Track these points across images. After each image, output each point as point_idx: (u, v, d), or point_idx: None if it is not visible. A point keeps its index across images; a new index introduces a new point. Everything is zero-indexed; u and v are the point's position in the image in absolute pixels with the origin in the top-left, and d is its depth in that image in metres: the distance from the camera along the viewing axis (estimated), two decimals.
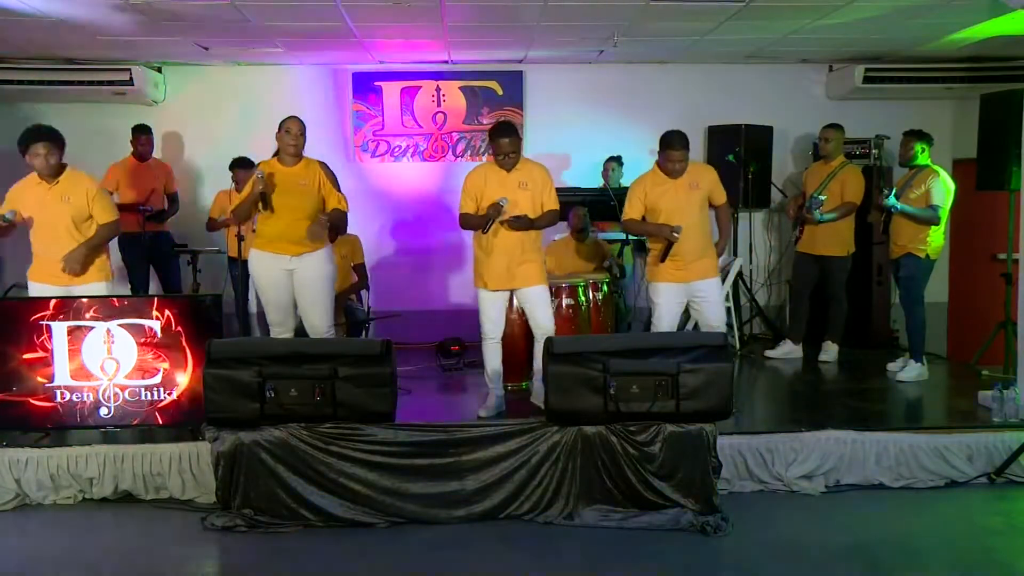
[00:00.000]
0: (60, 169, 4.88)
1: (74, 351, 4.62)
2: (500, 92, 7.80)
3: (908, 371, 5.94)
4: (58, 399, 4.64)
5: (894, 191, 5.90)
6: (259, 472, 4.11)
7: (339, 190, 5.22)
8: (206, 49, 6.89)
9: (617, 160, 7.39)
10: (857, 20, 5.95)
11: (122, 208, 5.84)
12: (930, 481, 4.54)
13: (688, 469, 4.08)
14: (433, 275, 7.87)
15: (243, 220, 5.18)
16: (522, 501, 4.16)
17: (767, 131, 7.58)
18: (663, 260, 5.08)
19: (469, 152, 7.85)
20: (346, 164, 7.56)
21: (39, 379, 4.62)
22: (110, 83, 7.11)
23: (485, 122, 7.71)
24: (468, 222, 5.05)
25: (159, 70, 7.57)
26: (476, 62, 7.64)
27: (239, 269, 6.32)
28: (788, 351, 6.80)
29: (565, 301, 5.70)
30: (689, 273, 5.09)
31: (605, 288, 5.97)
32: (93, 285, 4.93)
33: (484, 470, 4.18)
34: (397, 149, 7.85)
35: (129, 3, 5.32)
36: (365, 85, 7.75)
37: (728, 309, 6.65)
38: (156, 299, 4.77)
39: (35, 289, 4.93)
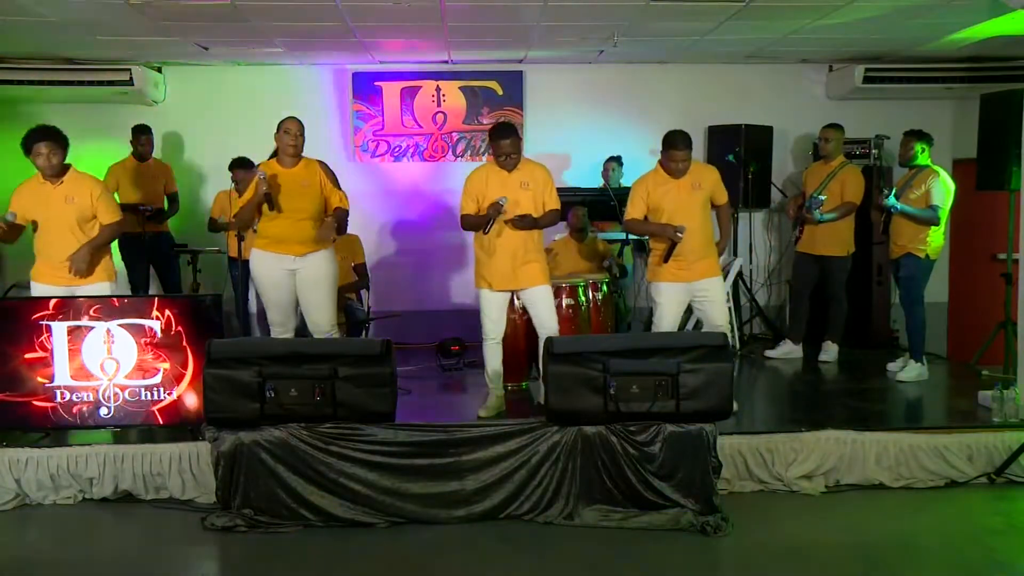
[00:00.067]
0: (64, 169, 4.88)
1: (74, 351, 4.62)
2: (500, 92, 7.79)
3: (908, 371, 5.94)
4: (58, 399, 4.63)
5: (894, 191, 5.90)
6: (259, 472, 4.11)
7: (339, 188, 5.22)
8: (206, 49, 6.89)
9: (617, 160, 7.38)
10: (857, 20, 5.95)
11: (122, 208, 5.82)
12: (930, 481, 4.53)
13: (688, 469, 4.08)
14: (433, 275, 7.87)
15: (246, 224, 5.18)
16: (522, 501, 4.16)
17: (767, 131, 7.58)
18: (666, 260, 5.07)
19: (469, 152, 7.85)
20: (346, 164, 7.55)
21: (39, 379, 4.62)
22: (110, 83, 7.10)
23: (485, 122, 7.71)
24: (469, 223, 5.05)
25: (159, 70, 7.57)
26: (476, 62, 7.64)
27: (239, 269, 6.32)
28: (788, 351, 6.80)
29: (565, 301, 5.70)
30: (691, 273, 5.09)
31: (605, 288, 5.97)
32: (98, 285, 4.93)
33: (484, 470, 4.17)
34: (397, 149, 7.85)
35: (129, 3, 5.32)
36: (365, 85, 7.75)
37: (728, 309, 6.64)
38: (156, 299, 4.77)
39: (38, 290, 4.92)
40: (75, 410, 4.65)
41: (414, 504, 4.14)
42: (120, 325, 4.62)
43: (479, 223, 4.97)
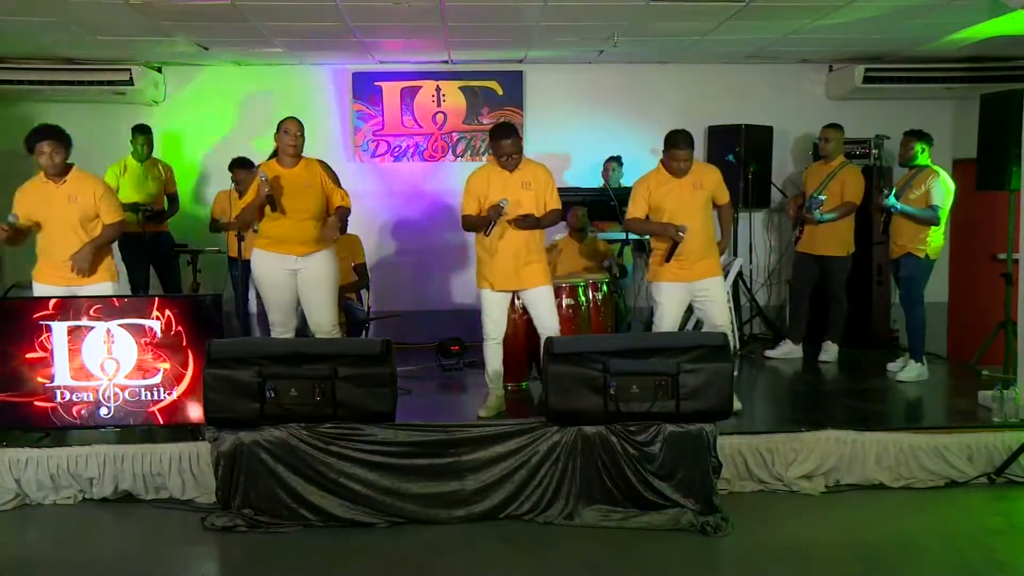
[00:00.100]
0: (66, 169, 4.89)
1: (74, 351, 4.62)
2: (500, 92, 7.80)
3: (908, 371, 5.94)
4: (58, 399, 4.63)
5: (894, 191, 5.90)
6: (259, 472, 4.11)
7: (340, 187, 5.23)
8: (206, 49, 6.89)
9: (617, 160, 7.38)
10: (857, 20, 5.95)
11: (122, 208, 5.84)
12: (930, 481, 4.53)
13: (688, 469, 4.08)
14: (433, 275, 7.87)
15: (248, 225, 5.18)
16: (522, 501, 4.16)
17: (767, 131, 7.58)
18: (668, 260, 5.07)
19: (469, 152, 7.85)
20: (346, 164, 7.55)
21: (39, 379, 4.62)
22: (110, 83, 7.10)
23: (485, 122, 7.71)
24: (470, 223, 5.05)
25: (159, 70, 7.57)
26: (476, 62, 7.64)
27: (239, 269, 6.32)
28: (788, 351, 6.80)
29: (565, 301, 5.70)
30: (692, 272, 5.08)
31: (605, 288, 5.97)
32: (100, 286, 4.93)
33: (484, 470, 4.17)
34: (397, 149, 7.85)
35: (129, 3, 5.32)
36: (365, 85, 7.75)
37: (728, 309, 6.64)
38: (156, 299, 4.77)
39: (40, 290, 4.91)
40: (75, 410, 4.65)
41: (414, 504, 4.14)
42: (120, 325, 4.62)
43: (480, 224, 4.97)
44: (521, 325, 5.50)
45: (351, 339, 5.81)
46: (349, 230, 6.35)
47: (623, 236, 6.79)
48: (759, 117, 7.57)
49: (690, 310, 5.52)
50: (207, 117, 7.65)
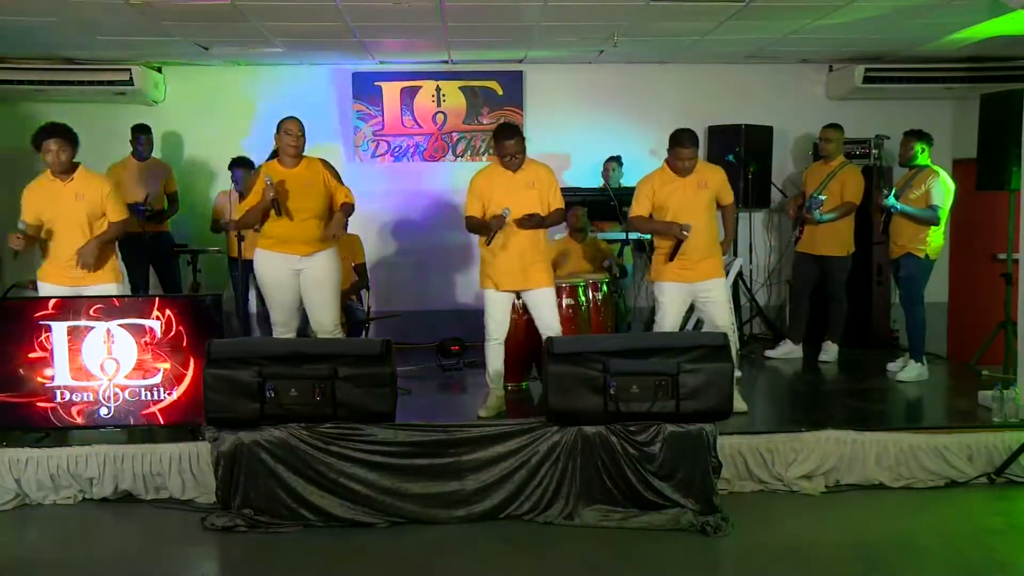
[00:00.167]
0: (73, 167, 4.90)
1: (74, 351, 4.62)
2: (500, 92, 7.79)
3: (908, 371, 5.94)
4: (58, 399, 4.64)
5: (894, 191, 5.90)
6: (259, 472, 4.11)
7: (342, 184, 5.22)
8: (206, 49, 6.89)
9: (617, 160, 7.38)
10: (857, 20, 5.95)
11: None
12: (930, 481, 4.53)
13: (688, 469, 4.08)
14: (433, 275, 7.87)
15: (249, 227, 5.18)
16: (522, 501, 4.16)
17: (767, 131, 7.58)
18: (672, 259, 5.07)
19: (469, 152, 7.85)
20: (346, 164, 7.55)
21: (39, 379, 4.62)
22: (110, 83, 7.10)
23: (485, 122, 7.71)
24: (473, 225, 5.05)
25: (159, 70, 7.57)
26: (476, 62, 7.64)
27: (239, 269, 6.32)
28: (788, 351, 6.80)
29: (565, 301, 5.69)
30: (695, 273, 5.08)
31: (605, 288, 5.97)
32: (106, 287, 4.93)
33: (484, 470, 4.17)
34: (397, 149, 7.84)
35: (129, 3, 5.32)
36: (365, 85, 7.75)
37: (730, 310, 6.64)
38: (156, 299, 4.77)
39: (46, 290, 4.91)
40: (75, 410, 4.65)
41: (414, 504, 4.14)
42: (120, 325, 4.62)
43: (482, 229, 4.97)
44: (521, 325, 5.50)
45: (351, 339, 5.81)
46: (349, 230, 6.35)
47: (623, 236, 6.78)
48: (759, 117, 7.57)
49: (691, 309, 5.52)
50: (207, 117, 7.64)
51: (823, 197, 6.34)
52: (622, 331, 6.47)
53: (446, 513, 4.13)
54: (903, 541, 3.95)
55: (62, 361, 4.62)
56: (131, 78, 7.09)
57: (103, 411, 4.66)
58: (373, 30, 6.34)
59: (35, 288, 5.02)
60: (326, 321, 5.09)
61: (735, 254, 7.37)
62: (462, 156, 7.84)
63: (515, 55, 7.44)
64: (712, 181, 5.12)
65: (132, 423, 4.68)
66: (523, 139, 5.01)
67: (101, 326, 4.62)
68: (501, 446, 4.19)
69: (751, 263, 7.74)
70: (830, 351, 6.64)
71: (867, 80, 7.36)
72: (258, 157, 6.27)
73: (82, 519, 4.33)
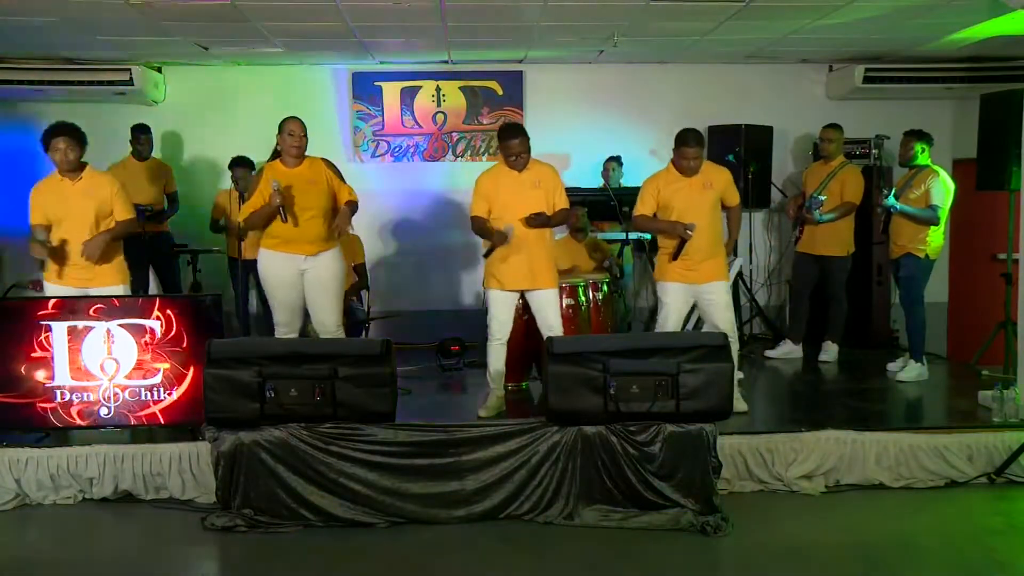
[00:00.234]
0: (81, 167, 4.90)
1: (74, 351, 4.62)
2: (500, 92, 7.79)
3: (908, 371, 5.94)
4: (58, 399, 4.64)
5: (893, 191, 5.90)
6: (259, 472, 4.11)
7: (345, 183, 5.22)
8: (206, 49, 6.89)
9: (617, 160, 7.38)
10: (857, 20, 5.95)
11: None
12: (930, 481, 4.53)
13: (688, 469, 4.08)
14: (433, 275, 7.87)
15: (253, 229, 5.17)
16: (522, 501, 4.16)
17: (767, 131, 7.58)
18: (675, 258, 5.07)
19: (469, 152, 7.85)
20: (346, 164, 7.53)
21: (39, 379, 4.62)
22: (110, 83, 7.10)
23: (485, 122, 7.71)
24: (478, 226, 5.04)
25: (159, 70, 7.57)
26: (476, 62, 7.64)
27: (239, 269, 6.32)
28: (788, 351, 6.80)
29: (565, 301, 5.69)
30: (699, 275, 5.08)
31: (605, 288, 5.97)
32: (112, 288, 4.92)
33: (484, 470, 4.17)
34: (397, 149, 7.85)
35: (129, 3, 5.32)
36: (365, 85, 7.75)
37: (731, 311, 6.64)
38: (156, 299, 4.78)
39: (52, 291, 4.90)
40: (75, 410, 4.65)
41: (414, 504, 4.14)
42: (120, 325, 4.62)
43: (487, 233, 4.97)
44: (521, 325, 5.49)
45: (351, 339, 5.81)
46: (349, 231, 6.36)
47: (623, 236, 6.79)
48: (759, 117, 7.56)
49: (691, 309, 5.51)
50: (207, 117, 7.64)
51: (823, 197, 6.34)
52: (622, 331, 6.47)
53: (446, 513, 4.13)
54: (903, 541, 3.95)
55: (62, 361, 4.62)
56: (131, 78, 7.09)
57: (103, 411, 4.66)
58: (373, 30, 6.34)
59: (35, 288, 5.02)
60: (329, 321, 5.08)
61: (735, 254, 7.38)
62: (462, 156, 7.84)
63: (515, 55, 7.44)
64: (718, 182, 5.13)
65: (132, 423, 4.68)
66: (528, 139, 5.01)
67: (101, 326, 4.62)
68: (501, 446, 4.19)
69: (751, 263, 7.74)
70: (830, 351, 6.64)
71: (867, 80, 7.36)
72: (258, 157, 6.27)
73: (82, 519, 4.33)
